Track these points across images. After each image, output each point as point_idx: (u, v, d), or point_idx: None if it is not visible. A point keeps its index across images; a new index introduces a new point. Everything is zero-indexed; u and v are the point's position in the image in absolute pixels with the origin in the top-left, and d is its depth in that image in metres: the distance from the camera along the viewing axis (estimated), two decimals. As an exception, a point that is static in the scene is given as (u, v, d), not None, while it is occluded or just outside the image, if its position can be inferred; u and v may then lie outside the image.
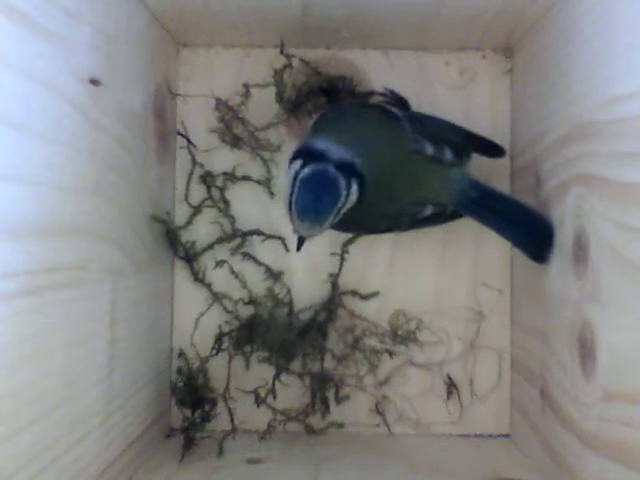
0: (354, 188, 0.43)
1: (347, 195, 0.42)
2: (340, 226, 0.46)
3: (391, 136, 0.47)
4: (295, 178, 0.43)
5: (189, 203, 0.55)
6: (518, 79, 0.55)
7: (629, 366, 0.33)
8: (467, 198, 0.48)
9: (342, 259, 0.55)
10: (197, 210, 0.56)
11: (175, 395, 0.52)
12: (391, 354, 0.55)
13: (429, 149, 0.47)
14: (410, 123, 0.47)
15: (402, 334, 0.55)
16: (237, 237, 0.55)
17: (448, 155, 0.48)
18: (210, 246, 0.55)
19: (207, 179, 0.56)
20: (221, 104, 0.55)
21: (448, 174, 0.48)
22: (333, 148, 0.43)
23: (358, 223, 0.49)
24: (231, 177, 0.56)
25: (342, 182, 0.42)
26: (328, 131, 0.45)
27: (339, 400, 0.54)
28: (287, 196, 0.43)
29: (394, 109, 0.48)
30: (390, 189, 0.46)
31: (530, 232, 0.47)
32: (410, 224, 0.49)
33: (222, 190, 0.56)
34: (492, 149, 0.51)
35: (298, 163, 0.43)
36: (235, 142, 0.56)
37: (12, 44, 0.29)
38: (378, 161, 0.45)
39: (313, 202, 0.42)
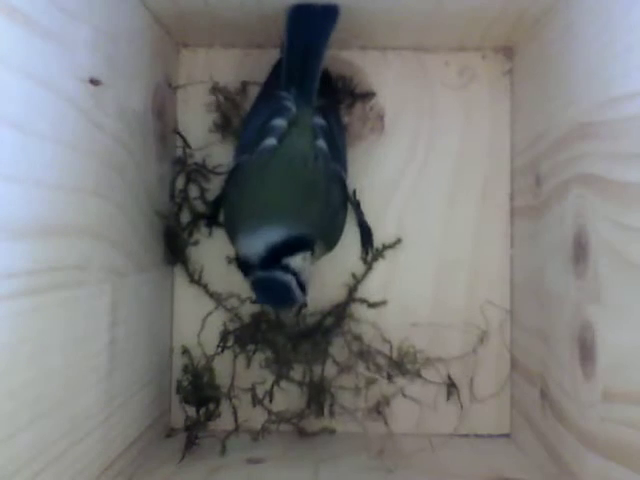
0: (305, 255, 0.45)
1: (300, 269, 0.44)
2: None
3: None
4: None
5: (188, 203, 0.55)
6: (518, 79, 0.55)
7: (629, 366, 0.33)
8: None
9: (369, 267, 0.55)
10: (196, 210, 0.55)
11: (180, 393, 0.52)
12: (390, 378, 0.55)
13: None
14: None
15: (407, 365, 0.55)
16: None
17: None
18: (209, 246, 0.55)
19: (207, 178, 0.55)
20: (217, 91, 0.55)
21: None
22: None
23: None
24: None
25: (293, 283, 0.44)
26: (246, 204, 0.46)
27: (332, 414, 0.54)
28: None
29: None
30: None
31: None
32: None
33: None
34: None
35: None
36: (235, 141, 0.56)
37: (12, 44, 0.29)
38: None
39: (274, 303, 0.48)
